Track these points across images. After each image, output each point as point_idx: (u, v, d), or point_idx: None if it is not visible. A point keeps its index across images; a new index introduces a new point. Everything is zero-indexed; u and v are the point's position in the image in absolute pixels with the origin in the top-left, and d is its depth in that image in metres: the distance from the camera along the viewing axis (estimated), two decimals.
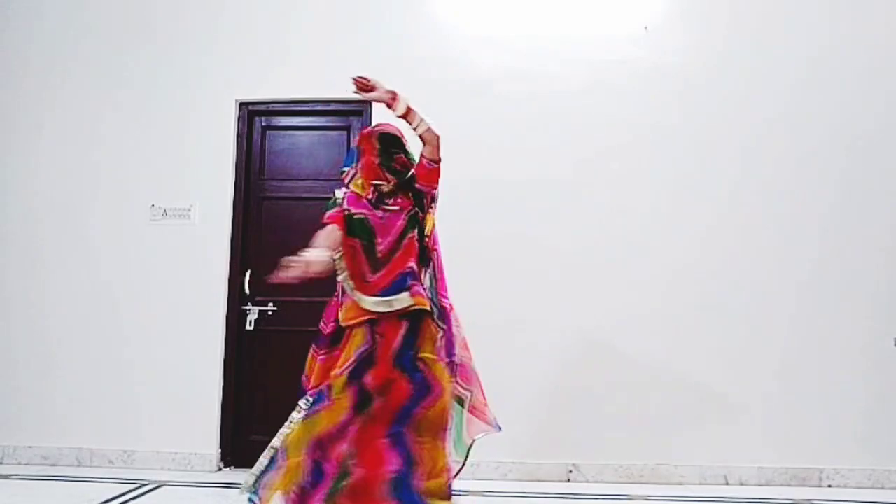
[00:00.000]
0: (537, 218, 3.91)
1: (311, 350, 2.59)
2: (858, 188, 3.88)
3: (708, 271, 3.86)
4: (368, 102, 4.02)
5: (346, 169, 2.70)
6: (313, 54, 4.13)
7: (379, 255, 2.49)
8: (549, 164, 3.95)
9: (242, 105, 4.16)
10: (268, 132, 4.21)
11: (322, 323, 2.58)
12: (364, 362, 2.38)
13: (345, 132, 4.17)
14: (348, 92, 4.15)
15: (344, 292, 2.52)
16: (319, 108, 4.17)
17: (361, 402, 2.33)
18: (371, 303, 2.44)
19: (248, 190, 4.14)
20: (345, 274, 2.52)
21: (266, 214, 4.14)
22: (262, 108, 4.18)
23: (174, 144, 4.12)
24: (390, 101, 2.56)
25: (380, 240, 2.50)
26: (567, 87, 4.00)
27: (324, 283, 3.98)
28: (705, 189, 3.92)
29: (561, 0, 4.12)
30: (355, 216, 2.54)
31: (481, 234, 3.82)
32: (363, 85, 2.58)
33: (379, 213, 2.54)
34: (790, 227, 3.87)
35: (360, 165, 2.62)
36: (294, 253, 2.38)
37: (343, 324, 2.48)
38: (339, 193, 2.64)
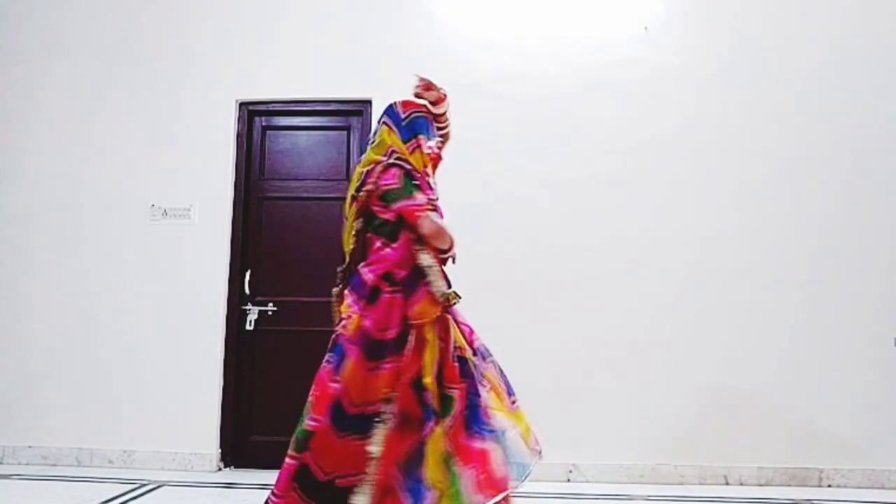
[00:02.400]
0: (536, 218, 3.91)
1: (359, 363, 2.16)
2: (859, 188, 3.87)
3: (709, 272, 3.86)
4: (369, 102, 4.06)
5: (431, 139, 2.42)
6: (313, 54, 4.13)
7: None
8: (549, 164, 3.95)
9: (242, 105, 4.16)
10: (268, 132, 4.21)
11: (377, 329, 2.17)
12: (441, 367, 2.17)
13: (345, 132, 4.18)
14: (348, 92, 4.20)
15: (418, 284, 2.22)
16: (319, 108, 4.17)
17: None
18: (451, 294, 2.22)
19: (248, 190, 4.14)
20: (433, 262, 2.24)
21: (266, 214, 4.14)
22: (262, 108, 4.18)
23: (174, 144, 4.12)
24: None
25: None
26: (567, 87, 4.00)
27: (324, 283, 4.01)
28: (707, 189, 3.92)
29: (560, 1, 4.12)
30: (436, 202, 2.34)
31: (479, 233, 3.82)
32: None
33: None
34: (791, 229, 3.87)
35: (431, 139, 2.41)
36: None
37: (417, 321, 2.18)
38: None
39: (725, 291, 3.84)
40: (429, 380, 2.13)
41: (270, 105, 4.18)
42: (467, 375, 2.18)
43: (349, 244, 2.39)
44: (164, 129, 4.14)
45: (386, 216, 2.29)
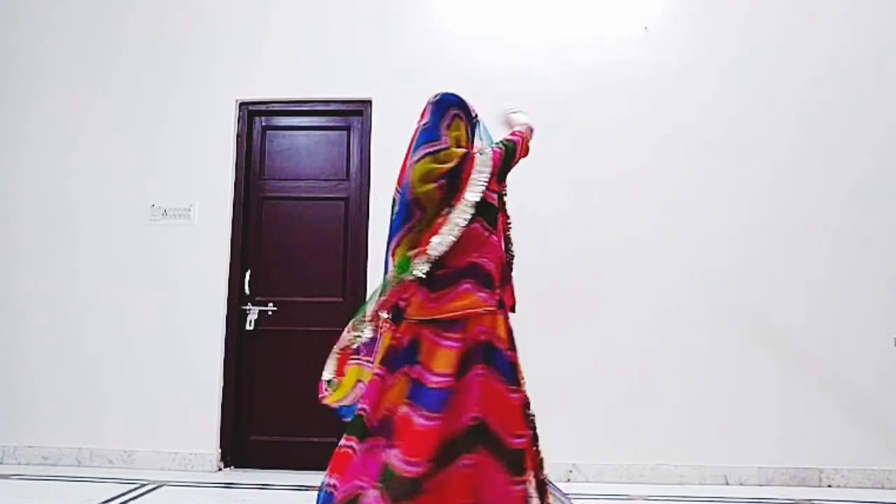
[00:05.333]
0: (535, 219, 3.90)
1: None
2: (861, 187, 3.87)
3: (709, 274, 3.85)
4: (369, 102, 4.06)
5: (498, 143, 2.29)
6: (313, 54, 4.13)
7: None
8: (549, 164, 3.93)
9: (242, 105, 4.16)
10: (268, 132, 4.21)
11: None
12: None
13: (345, 132, 4.17)
14: (348, 92, 4.21)
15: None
16: (319, 108, 4.16)
17: None
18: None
19: (248, 190, 4.14)
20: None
21: (266, 214, 4.14)
22: (262, 108, 4.18)
23: (174, 144, 4.12)
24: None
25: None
26: (567, 87, 4.00)
27: (324, 283, 4.03)
28: (707, 189, 3.92)
29: (560, 1, 4.12)
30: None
31: None
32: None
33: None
34: (791, 230, 3.87)
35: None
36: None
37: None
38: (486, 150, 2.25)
39: (725, 293, 3.83)
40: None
41: (270, 105, 4.18)
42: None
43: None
44: (165, 130, 4.14)
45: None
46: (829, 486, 3.67)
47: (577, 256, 3.88)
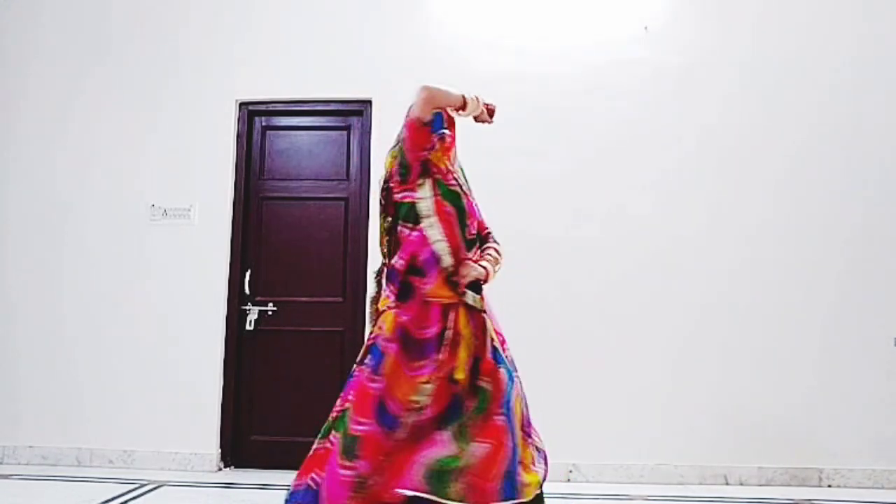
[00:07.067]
0: (535, 218, 3.91)
1: (401, 360, 2.06)
2: (848, 185, 3.88)
3: (708, 273, 3.85)
4: (369, 102, 4.06)
5: (444, 132, 2.27)
6: (313, 54, 4.13)
7: (469, 236, 2.20)
8: (550, 165, 3.94)
9: (242, 105, 4.16)
10: (268, 132, 4.21)
11: (416, 327, 2.08)
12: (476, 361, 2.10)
13: (345, 132, 4.17)
14: (348, 92, 4.20)
15: (434, 264, 2.12)
16: (319, 108, 4.17)
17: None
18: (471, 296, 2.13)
19: (248, 190, 4.14)
20: (442, 243, 2.14)
21: (266, 214, 4.14)
22: (262, 108, 4.18)
23: (174, 144, 4.12)
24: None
25: (470, 222, 2.23)
26: (566, 88, 3.99)
27: (324, 283, 4.03)
28: (703, 191, 3.92)
29: (560, 1, 4.12)
30: (448, 186, 2.21)
31: None
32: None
33: (471, 196, 2.30)
34: (790, 231, 3.87)
35: (446, 146, 2.27)
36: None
37: (431, 299, 2.10)
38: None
39: (723, 293, 3.83)
40: (461, 376, 2.05)
41: (270, 105, 4.18)
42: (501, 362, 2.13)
43: (383, 245, 2.30)
44: (165, 129, 4.14)
45: (405, 196, 2.20)
46: (829, 486, 3.67)
47: (576, 254, 3.88)
